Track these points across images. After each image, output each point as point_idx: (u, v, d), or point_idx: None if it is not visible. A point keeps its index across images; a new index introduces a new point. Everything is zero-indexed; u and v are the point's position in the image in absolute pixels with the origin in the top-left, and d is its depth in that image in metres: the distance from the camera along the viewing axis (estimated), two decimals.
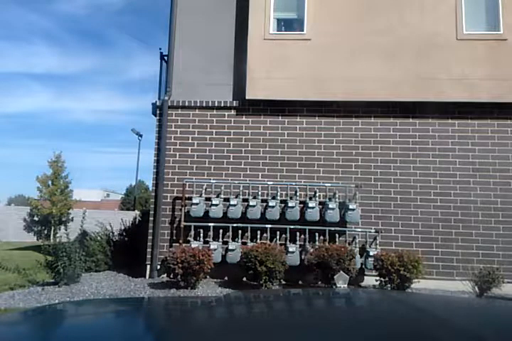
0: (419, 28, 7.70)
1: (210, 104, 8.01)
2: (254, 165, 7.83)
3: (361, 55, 7.72)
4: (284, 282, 7.04)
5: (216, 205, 7.44)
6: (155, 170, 7.94)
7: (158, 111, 8.15)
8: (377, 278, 6.72)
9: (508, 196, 7.43)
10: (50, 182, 23.03)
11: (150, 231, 7.72)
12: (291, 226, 7.34)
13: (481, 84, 7.50)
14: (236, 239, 7.42)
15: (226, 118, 8.01)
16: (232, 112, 8.02)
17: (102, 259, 8.21)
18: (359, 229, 7.48)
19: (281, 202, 7.49)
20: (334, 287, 6.06)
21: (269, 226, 7.39)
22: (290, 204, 7.36)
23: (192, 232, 7.54)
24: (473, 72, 7.53)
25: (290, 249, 7.16)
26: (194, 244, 7.21)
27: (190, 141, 7.99)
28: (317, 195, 7.52)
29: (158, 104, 8.19)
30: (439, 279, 7.20)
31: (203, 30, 8.19)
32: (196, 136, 8.00)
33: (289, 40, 7.96)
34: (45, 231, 22.76)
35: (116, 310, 1.83)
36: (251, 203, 7.43)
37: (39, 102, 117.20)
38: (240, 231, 7.43)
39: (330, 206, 7.29)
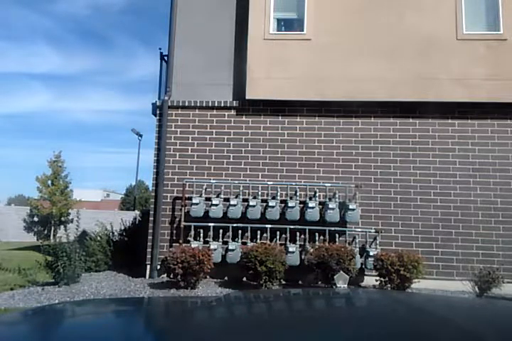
0: (419, 28, 7.69)
1: (210, 104, 8.01)
2: (254, 165, 7.83)
3: (361, 55, 7.71)
4: (284, 282, 7.03)
5: (216, 205, 7.44)
6: (155, 170, 7.94)
7: (158, 111, 8.15)
8: (377, 278, 6.72)
9: (508, 196, 7.42)
10: (50, 182, 23.02)
11: (150, 231, 7.73)
12: (291, 226, 7.33)
13: (481, 84, 7.50)
14: (236, 239, 7.42)
15: (226, 119, 8.01)
16: (232, 112, 8.02)
17: (102, 259, 8.22)
18: (359, 229, 7.48)
19: (281, 202, 7.49)
20: (334, 287, 6.06)
21: (269, 226, 7.39)
22: (290, 204, 7.36)
23: (192, 232, 7.53)
24: (473, 72, 7.53)
25: (290, 249, 7.15)
26: (194, 244, 7.21)
27: (190, 141, 7.99)
28: (317, 195, 7.52)
29: (158, 104, 8.19)
30: (439, 279, 7.20)
31: (203, 30, 8.19)
32: (196, 136, 8.00)
33: (289, 40, 7.96)
34: (45, 232, 22.76)
35: (116, 310, 1.83)
36: (251, 203, 7.43)
37: (39, 102, 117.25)
38: (240, 231, 7.43)
39: (330, 206, 7.29)
